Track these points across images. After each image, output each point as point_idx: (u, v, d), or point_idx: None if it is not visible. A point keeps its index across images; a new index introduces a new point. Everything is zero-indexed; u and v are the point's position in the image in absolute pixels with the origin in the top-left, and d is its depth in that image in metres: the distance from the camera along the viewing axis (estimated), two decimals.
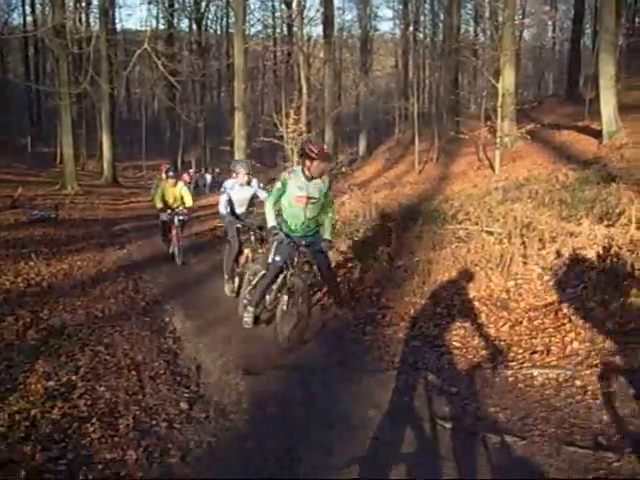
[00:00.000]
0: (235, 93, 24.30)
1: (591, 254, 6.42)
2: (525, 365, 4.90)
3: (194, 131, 45.95)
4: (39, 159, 40.77)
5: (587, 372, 4.50)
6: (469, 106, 34.17)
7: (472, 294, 6.70)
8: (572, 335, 5.17)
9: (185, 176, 22.83)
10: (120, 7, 70.68)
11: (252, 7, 55.61)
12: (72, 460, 3.57)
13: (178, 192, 11.02)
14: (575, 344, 5.02)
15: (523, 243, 7.21)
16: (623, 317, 5.11)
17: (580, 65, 27.96)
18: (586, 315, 5.43)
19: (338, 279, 7.45)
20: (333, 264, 7.33)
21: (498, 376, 4.80)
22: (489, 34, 22.12)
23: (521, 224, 7.76)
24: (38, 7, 46.08)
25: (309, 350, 5.83)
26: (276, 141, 18.04)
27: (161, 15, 48.25)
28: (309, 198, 5.95)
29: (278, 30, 48.64)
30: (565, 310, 5.66)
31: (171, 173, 11.33)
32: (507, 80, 19.13)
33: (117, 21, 49.41)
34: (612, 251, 6.19)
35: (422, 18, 45.01)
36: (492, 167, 18.32)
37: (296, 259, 6.02)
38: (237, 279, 8.02)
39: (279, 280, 6.20)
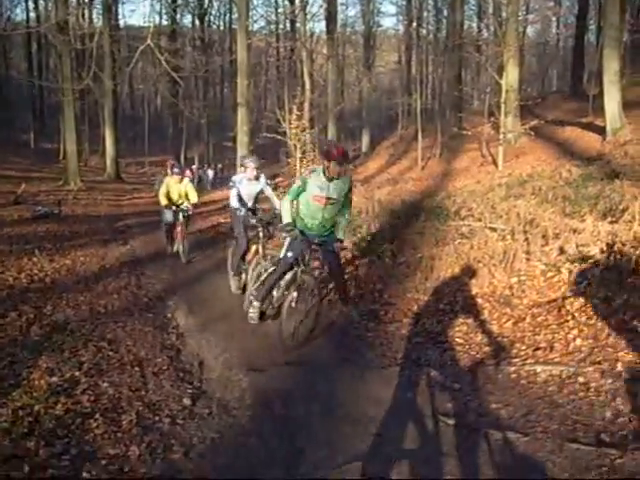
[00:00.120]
0: (238, 89, 24.31)
1: (595, 250, 6.41)
2: (528, 362, 4.89)
3: (197, 127, 46.00)
4: (42, 155, 40.87)
5: (590, 369, 4.49)
6: (472, 102, 34.02)
7: (475, 290, 6.70)
8: (575, 332, 5.17)
9: (187, 172, 22.75)
10: (123, 3, 70.95)
11: (255, 3, 55.54)
12: (75, 455, 3.58)
13: (183, 188, 10.92)
14: (578, 341, 5.01)
15: (526, 239, 7.20)
16: (627, 314, 5.10)
17: (584, 61, 27.89)
18: (589, 312, 5.42)
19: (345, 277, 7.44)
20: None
21: (501, 372, 4.79)
22: (493, 30, 22.16)
23: (524, 220, 7.76)
24: (41, 3, 46.10)
25: (312, 346, 5.82)
26: (279, 137, 18.02)
27: (164, 11, 48.31)
28: (328, 199, 5.91)
29: (281, 26, 48.52)
30: (568, 307, 5.65)
31: (176, 169, 11.16)
32: (511, 76, 19.10)
33: (120, 17, 49.67)
34: (616, 247, 6.18)
35: (425, 14, 44.98)
36: (495, 163, 18.30)
37: (307, 256, 6.01)
38: (244, 275, 7.93)
39: (288, 277, 6.17)
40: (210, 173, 33.85)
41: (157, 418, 4.20)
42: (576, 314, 5.47)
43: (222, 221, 15.39)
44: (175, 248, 11.06)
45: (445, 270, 7.36)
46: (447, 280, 7.11)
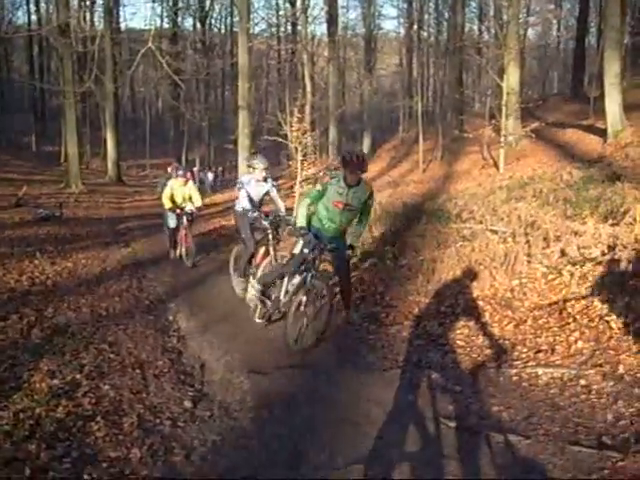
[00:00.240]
0: (239, 92, 24.31)
1: (596, 253, 6.41)
2: (529, 364, 4.89)
3: (198, 130, 45.95)
4: (43, 158, 40.90)
5: (592, 371, 4.50)
6: (473, 105, 34.05)
7: (476, 293, 6.70)
8: (577, 334, 5.17)
9: (187, 174, 22.69)
10: (124, 6, 70.83)
11: (256, 6, 55.44)
12: (77, 458, 3.58)
13: (188, 191, 10.81)
14: (580, 343, 5.01)
15: (527, 242, 7.21)
16: (628, 316, 5.10)
17: (585, 63, 27.91)
18: (591, 314, 5.42)
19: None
20: None
21: (502, 375, 4.79)
22: (494, 32, 22.15)
23: (525, 223, 7.77)
24: (43, 6, 46.21)
25: (312, 348, 5.82)
26: (280, 140, 18.02)
27: (165, 14, 48.37)
28: (346, 204, 5.92)
29: (282, 29, 48.58)
30: (570, 309, 5.66)
31: (181, 172, 11.00)
32: (511, 79, 19.11)
33: (121, 20, 49.51)
34: (617, 250, 6.18)
35: (426, 17, 44.96)
36: (496, 166, 18.31)
37: (317, 261, 5.98)
38: (251, 279, 7.56)
39: (296, 281, 6.13)
40: (210, 176, 33.72)
41: (158, 421, 4.20)
42: (577, 316, 5.47)
43: (224, 223, 15.39)
44: (178, 252, 10.94)
45: (446, 273, 7.36)
46: (448, 283, 7.11)
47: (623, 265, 5.86)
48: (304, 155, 16.95)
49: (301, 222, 5.99)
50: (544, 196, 9.39)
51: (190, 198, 10.80)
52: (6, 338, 5.75)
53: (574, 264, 6.42)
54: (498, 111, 18.73)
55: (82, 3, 40.63)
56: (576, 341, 5.06)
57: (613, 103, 15.35)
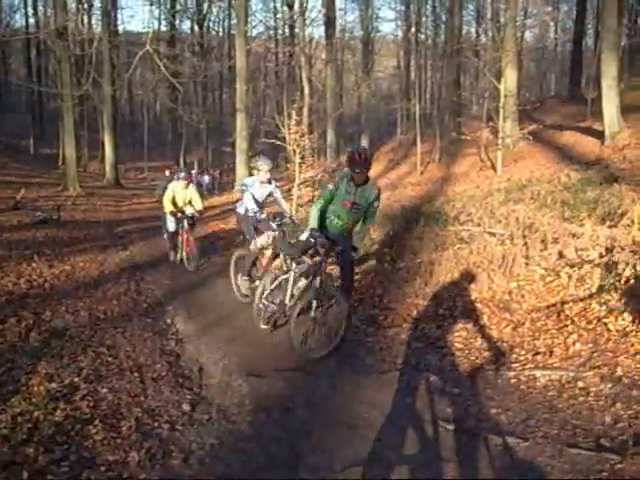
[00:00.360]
0: (237, 94, 24.43)
1: (594, 255, 6.42)
2: (528, 366, 4.90)
3: (196, 132, 45.98)
4: (41, 161, 40.88)
5: (590, 373, 4.50)
6: (471, 107, 34.09)
7: (474, 295, 6.71)
8: (575, 336, 5.18)
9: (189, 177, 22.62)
10: (122, 9, 70.87)
11: (254, 8, 56.07)
12: (75, 462, 3.57)
13: (189, 195, 10.68)
14: (578, 345, 5.02)
15: (525, 244, 7.22)
16: (626, 318, 5.11)
17: (582, 66, 27.94)
18: (589, 316, 5.43)
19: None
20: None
21: (500, 377, 4.80)
22: (491, 35, 22.14)
23: (523, 225, 7.77)
24: (40, 9, 46.21)
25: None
26: (278, 142, 18.01)
27: (163, 17, 48.33)
28: (354, 203, 5.93)
29: (280, 31, 48.66)
30: (568, 311, 5.67)
31: (182, 174, 10.79)
32: (509, 81, 19.13)
33: (119, 23, 49.69)
34: (615, 252, 6.19)
35: (424, 19, 45.07)
36: (494, 168, 18.31)
37: (324, 264, 5.91)
38: (258, 283, 7.25)
39: (301, 284, 6.12)
40: (206, 178, 33.60)
41: (156, 424, 4.19)
42: (575, 319, 5.48)
43: (223, 226, 15.38)
44: (179, 256, 10.80)
45: (444, 275, 7.37)
46: (446, 285, 7.12)
47: (621, 267, 5.87)
48: (302, 158, 16.94)
49: (313, 224, 5.93)
50: (542, 198, 9.40)
51: (190, 201, 10.69)
52: (4, 341, 5.74)
53: (572, 266, 6.43)
54: (496, 113, 18.74)
55: (80, 6, 40.70)
56: (574, 343, 5.07)
57: (610, 105, 15.37)
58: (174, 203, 10.47)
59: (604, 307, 5.45)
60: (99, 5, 38.94)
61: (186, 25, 50.43)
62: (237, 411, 4.47)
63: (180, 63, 36.75)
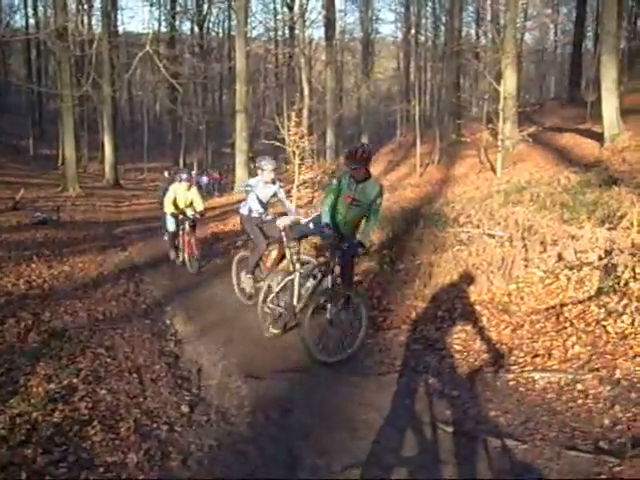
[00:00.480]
0: (237, 95, 24.42)
1: (593, 257, 6.42)
2: (526, 369, 4.90)
3: (196, 133, 46.01)
4: (41, 161, 40.91)
5: (589, 376, 4.50)
6: (471, 109, 34.17)
7: (473, 297, 6.71)
8: (573, 339, 5.17)
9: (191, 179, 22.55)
10: (122, 9, 70.67)
11: (254, 10, 56.06)
12: (73, 463, 3.57)
13: (190, 196, 10.56)
14: (577, 348, 5.02)
15: (524, 246, 7.22)
16: (625, 321, 5.11)
17: (582, 68, 27.98)
18: (588, 319, 5.43)
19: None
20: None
21: (499, 380, 4.80)
22: (491, 37, 22.12)
23: (522, 227, 7.78)
24: (40, 9, 46.22)
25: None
26: (277, 144, 18.01)
27: (163, 18, 48.41)
28: (353, 199, 5.92)
29: (280, 33, 48.67)
30: (567, 314, 5.67)
31: (185, 176, 10.62)
32: (509, 83, 19.14)
33: (119, 24, 49.79)
34: (614, 254, 6.19)
35: (424, 21, 45.10)
36: (494, 170, 18.33)
37: (332, 263, 5.84)
38: (262, 283, 7.04)
39: (310, 284, 6.07)
40: (204, 179, 33.50)
41: (155, 425, 4.19)
42: (574, 321, 5.48)
43: (222, 228, 15.37)
44: (181, 258, 10.68)
45: (444, 277, 7.37)
46: (446, 287, 7.12)
47: (620, 269, 5.87)
48: (301, 159, 16.95)
49: (325, 219, 5.89)
50: (541, 200, 9.41)
51: (192, 203, 10.59)
52: (3, 342, 5.74)
53: (571, 268, 6.44)
54: (495, 115, 18.76)
55: (80, 7, 40.71)
56: (573, 346, 5.07)
57: (610, 107, 15.38)
58: (175, 205, 10.38)
59: (603, 309, 5.45)
60: (99, 6, 38.99)
61: (186, 26, 50.59)
62: (236, 412, 4.47)
63: (180, 64, 36.81)
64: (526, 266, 6.90)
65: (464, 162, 21.94)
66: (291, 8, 36.49)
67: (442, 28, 39.84)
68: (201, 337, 6.53)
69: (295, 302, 6.12)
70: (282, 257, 7.47)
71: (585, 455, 3.45)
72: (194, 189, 10.77)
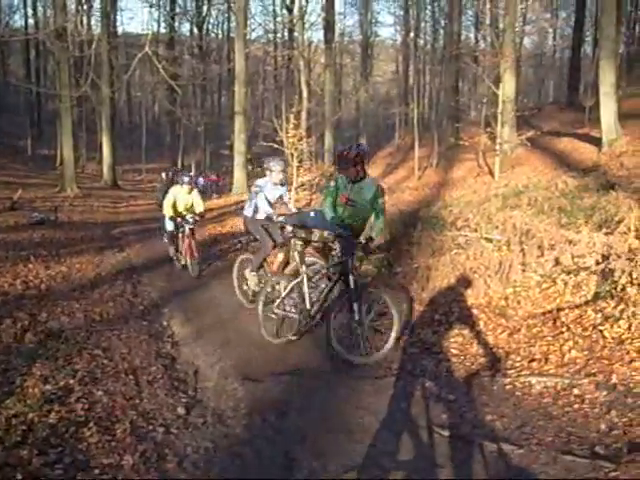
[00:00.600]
0: (236, 97, 24.41)
1: (590, 262, 6.43)
2: (523, 373, 4.90)
3: (194, 135, 45.97)
4: (39, 161, 40.85)
5: (585, 381, 4.50)
6: (469, 112, 34.15)
7: (471, 301, 6.71)
8: (570, 343, 5.18)
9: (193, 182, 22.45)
10: (122, 10, 70.69)
11: (253, 12, 56.05)
12: (69, 464, 3.56)
13: (191, 199, 10.39)
14: (573, 352, 5.03)
15: (522, 250, 7.22)
16: (621, 326, 5.12)
17: (580, 73, 28.01)
18: (584, 323, 5.43)
19: None
20: None
21: (496, 384, 4.80)
22: (490, 41, 22.20)
23: (520, 231, 7.78)
24: (40, 9, 46.20)
25: (307, 355, 5.82)
26: (276, 146, 18.02)
27: (162, 19, 48.54)
28: (348, 199, 5.94)
29: (279, 35, 48.73)
30: (563, 318, 5.68)
31: (186, 178, 10.44)
32: (507, 87, 19.14)
33: (118, 24, 49.75)
34: (611, 259, 6.20)
35: (423, 24, 45.19)
36: (492, 174, 18.33)
37: (350, 262, 5.69)
38: (265, 287, 6.71)
39: (323, 285, 6.00)
40: (201, 181, 33.29)
41: (151, 427, 4.19)
42: (571, 325, 5.48)
43: (220, 229, 15.35)
44: (183, 261, 10.43)
45: (441, 280, 7.37)
46: (443, 290, 7.12)
47: (617, 274, 5.88)
48: (300, 161, 16.97)
49: (329, 214, 5.99)
50: (539, 204, 9.41)
51: (192, 206, 10.42)
52: None
53: (568, 273, 6.45)
54: (494, 119, 18.76)
55: (79, 7, 40.63)
56: (570, 350, 5.08)
57: (608, 112, 15.39)
58: (174, 208, 10.25)
59: (600, 314, 5.46)
60: (98, 6, 38.92)
61: (185, 27, 50.71)
62: (232, 415, 4.47)
63: (179, 65, 36.81)
64: (523, 270, 6.91)
65: (462, 165, 21.94)
66: (290, 10, 36.50)
67: (441, 31, 39.92)
68: (198, 339, 6.53)
69: (308, 306, 5.95)
70: (288, 262, 7.42)
71: (581, 460, 3.45)
72: (195, 192, 10.59)
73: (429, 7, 44.29)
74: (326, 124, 30.52)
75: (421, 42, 44.81)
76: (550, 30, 45.70)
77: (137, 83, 57.91)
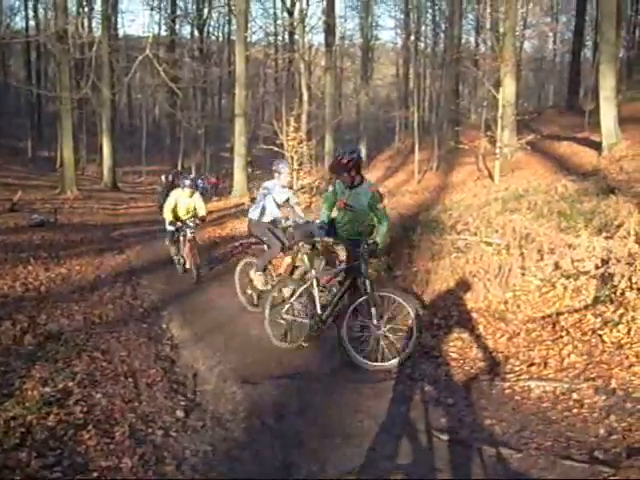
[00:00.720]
0: (236, 100, 24.40)
1: (590, 266, 6.43)
2: (522, 377, 4.89)
3: (194, 137, 45.96)
4: (39, 163, 40.88)
5: (584, 385, 4.50)
6: (469, 116, 34.21)
7: (470, 305, 6.71)
8: (569, 348, 5.17)
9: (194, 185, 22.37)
10: (123, 13, 70.93)
11: (254, 14, 56.08)
12: (67, 467, 3.57)
13: (192, 203, 10.27)
14: (572, 357, 5.02)
15: (522, 254, 7.22)
16: (621, 330, 5.12)
17: (580, 77, 28.03)
18: (584, 328, 5.43)
19: None
20: None
21: (495, 388, 4.79)
22: (490, 45, 22.17)
23: (520, 235, 7.77)
24: (41, 12, 46.12)
25: (307, 359, 5.82)
26: (276, 149, 18.02)
27: (163, 21, 48.58)
28: (346, 205, 5.97)
29: (280, 38, 48.77)
30: (563, 322, 5.67)
31: (188, 182, 10.28)
32: (507, 91, 19.15)
33: (119, 27, 49.70)
34: (610, 263, 6.20)
35: (423, 28, 45.18)
36: (491, 177, 18.32)
37: (364, 265, 5.66)
38: (275, 291, 6.65)
39: (335, 290, 5.95)
40: (199, 183, 33.21)
41: (150, 430, 4.19)
42: (571, 330, 5.48)
43: (219, 232, 15.36)
44: (184, 266, 10.27)
45: (440, 284, 7.38)
46: (442, 294, 7.13)
47: (616, 279, 5.88)
48: (300, 164, 16.97)
49: (322, 217, 6.07)
50: (539, 208, 9.40)
51: (194, 209, 10.29)
52: None
53: (568, 277, 6.45)
54: (494, 123, 18.74)
55: (80, 9, 40.76)
56: (569, 355, 5.07)
57: (608, 116, 15.39)
58: (174, 212, 10.13)
59: (599, 319, 5.46)
60: (99, 9, 38.97)
61: (186, 30, 50.74)
62: (231, 418, 4.47)
63: (180, 68, 36.81)
64: (523, 274, 6.91)
65: (462, 169, 21.94)
66: (291, 13, 36.53)
67: (442, 35, 39.95)
68: (197, 342, 6.53)
69: (319, 310, 5.89)
70: (295, 266, 7.39)
71: (580, 465, 3.45)
72: (197, 195, 10.44)
73: (430, 11, 44.31)
74: (326, 127, 30.53)
75: (421, 45, 44.81)
76: (550, 34, 45.73)
77: (138, 85, 57.89)
